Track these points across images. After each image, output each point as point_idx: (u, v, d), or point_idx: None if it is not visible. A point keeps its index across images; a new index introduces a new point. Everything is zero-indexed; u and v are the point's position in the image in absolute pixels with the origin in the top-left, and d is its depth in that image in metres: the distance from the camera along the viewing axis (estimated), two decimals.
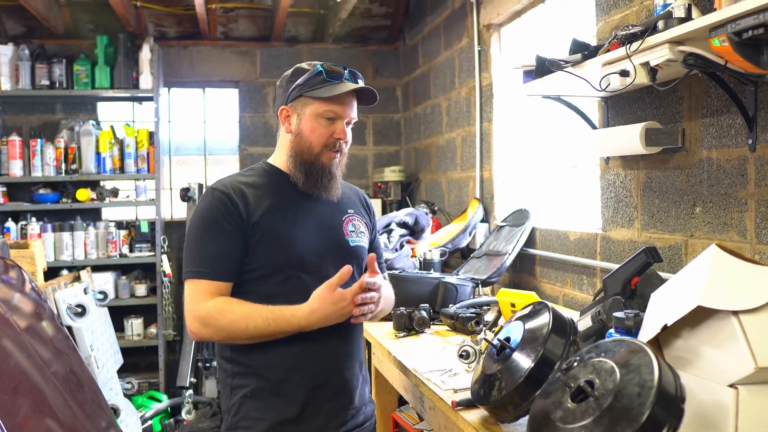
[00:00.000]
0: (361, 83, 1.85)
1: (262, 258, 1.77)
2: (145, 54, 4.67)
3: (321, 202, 1.88)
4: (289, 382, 1.78)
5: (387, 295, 1.90)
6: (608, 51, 2.03)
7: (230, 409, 1.81)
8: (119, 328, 4.52)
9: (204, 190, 4.77)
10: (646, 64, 1.89)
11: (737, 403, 1.21)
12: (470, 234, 3.70)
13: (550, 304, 1.58)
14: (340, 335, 1.82)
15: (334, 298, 1.71)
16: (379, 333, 2.65)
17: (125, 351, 4.08)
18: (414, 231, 3.91)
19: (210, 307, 1.72)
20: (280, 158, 1.90)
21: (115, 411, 3.41)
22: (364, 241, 1.95)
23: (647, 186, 2.39)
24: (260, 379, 1.78)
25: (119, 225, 4.77)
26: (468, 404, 1.69)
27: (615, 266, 2.01)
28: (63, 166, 4.58)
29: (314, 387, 1.79)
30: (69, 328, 3.18)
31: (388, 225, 3.85)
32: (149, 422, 4.31)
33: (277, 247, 1.77)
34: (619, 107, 2.52)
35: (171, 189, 5.32)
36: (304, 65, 1.86)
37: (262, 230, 1.76)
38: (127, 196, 4.86)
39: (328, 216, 1.89)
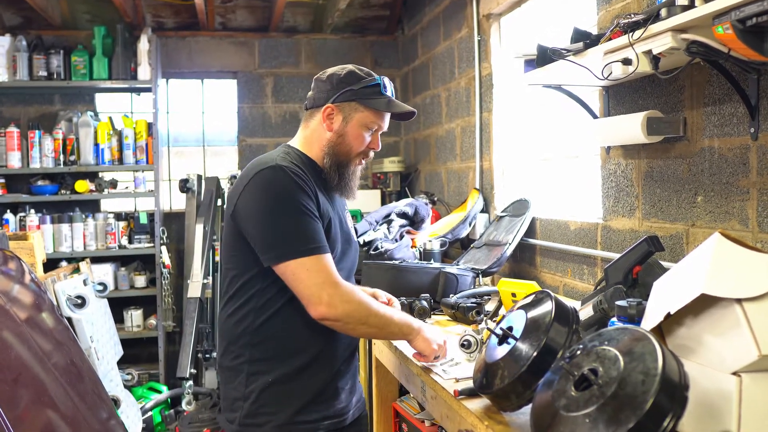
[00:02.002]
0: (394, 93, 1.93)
1: None
2: (143, 45, 4.64)
3: (336, 196, 1.96)
4: (312, 367, 1.80)
5: None
6: (610, 39, 2.02)
7: (247, 396, 1.78)
8: (119, 319, 4.52)
9: (203, 181, 4.78)
10: (648, 53, 1.88)
11: (740, 391, 1.21)
12: (470, 224, 3.70)
13: (552, 293, 1.58)
14: None
15: (438, 346, 1.91)
16: None
17: (125, 342, 4.07)
18: (414, 221, 3.91)
19: (348, 286, 1.72)
20: (311, 150, 1.91)
21: (116, 402, 3.41)
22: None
23: (648, 175, 2.39)
24: (284, 365, 1.78)
25: (118, 216, 4.76)
26: (470, 393, 1.69)
27: (616, 256, 2.01)
28: (61, 157, 4.56)
29: (335, 371, 1.84)
30: (69, 319, 3.18)
31: (388, 215, 3.85)
32: (149, 413, 4.32)
33: (331, 238, 1.81)
34: (620, 96, 2.51)
35: (170, 180, 5.31)
36: (357, 70, 1.88)
37: (324, 219, 1.79)
38: (126, 188, 4.85)
39: (342, 210, 1.99)
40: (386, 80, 1.89)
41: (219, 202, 4.72)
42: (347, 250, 1.93)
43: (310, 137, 1.90)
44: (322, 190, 1.85)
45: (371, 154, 1.94)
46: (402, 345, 2.28)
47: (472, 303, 2.60)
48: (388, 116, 1.91)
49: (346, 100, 1.84)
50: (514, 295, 2.56)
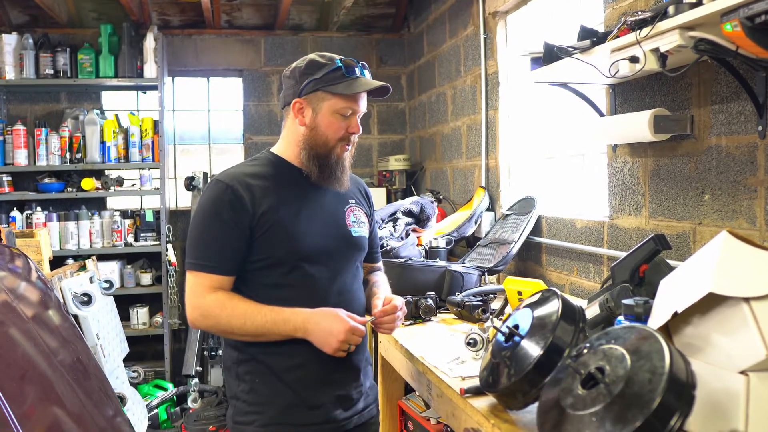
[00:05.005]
0: (369, 74, 1.85)
1: (269, 249, 1.77)
2: (149, 43, 4.65)
3: (325, 193, 1.88)
4: (295, 372, 1.78)
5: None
6: (617, 37, 2.01)
7: (238, 395, 1.82)
8: (125, 317, 4.54)
9: (209, 179, 4.79)
10: (656, 50, 1.87)
11: (748, 390, 1.20)
12: (476, 222, 3.69)
13: (558, 292, 1.57)
14: None
15: (343, 328, 1.70)
16: None
17: (131, 340, 4.08)
18: (419, 219, 3.90)
19: (212, 300, 1.73)
20: (286, 149, 1.89)
21: (122, 399, 3.42)
22: (364, 231, 1.96)
23: (655, 173, 2.38)
24: (265, 366, 1.79)
25: (124, 214, 4.78)
26: (476, 391, 1.69)
27: (622, 254, 2.00)
28: (68, 155, 4.58)
29: (321, 377, 1.80)
30: (75, 317, 3.19)
31: (394, 213, 3.84)
32: (155, 410, 4.33)
33: (284, 238, 1.77)
34: (626, 94, 2.50)
35: (176, 178, 5.31)
36: (318, 58, 1.83)
37: (269, 222, 1.75)
38: (132, 185, 4.86)
39: (332, 207, 1.89)
40: (348, 61, 1.81)
41: None
42: (339, 248, 1.86)
43: (287, 137, 1.88)
44: (292, 188, 1.83)
45: (354, 138, 1.86)
46: (408, 344, 2.28)
47: (477, 301, 2.60)
48: (362, 98, 1.83)
49: (312, 91, 1.79)
50: (520, 293, 2.55)
